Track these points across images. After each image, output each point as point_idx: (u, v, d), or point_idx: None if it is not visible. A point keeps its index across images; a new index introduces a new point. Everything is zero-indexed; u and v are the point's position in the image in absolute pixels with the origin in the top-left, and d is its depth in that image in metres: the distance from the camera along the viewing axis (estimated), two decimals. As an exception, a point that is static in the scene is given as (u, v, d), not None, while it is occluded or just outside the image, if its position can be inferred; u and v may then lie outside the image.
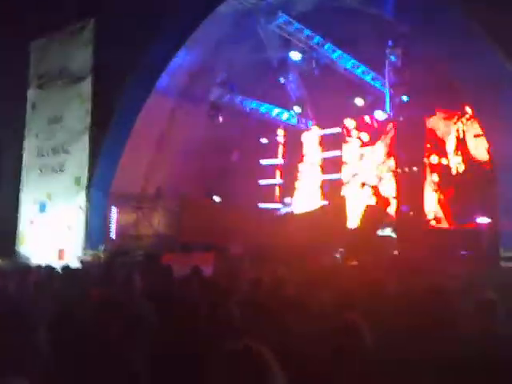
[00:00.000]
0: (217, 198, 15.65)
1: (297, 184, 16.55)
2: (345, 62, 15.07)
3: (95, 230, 13.41)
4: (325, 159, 16.06)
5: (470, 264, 8.59)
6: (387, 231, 11.87)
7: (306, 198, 15.75)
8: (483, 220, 10.66)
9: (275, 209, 16.08)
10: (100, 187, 13.80)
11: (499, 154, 10.06)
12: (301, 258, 9.10)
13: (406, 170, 13.28)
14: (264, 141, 17.09)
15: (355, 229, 12.03)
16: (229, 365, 1.88)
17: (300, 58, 15.70)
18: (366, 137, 14.99)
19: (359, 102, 14.76)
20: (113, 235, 13.72)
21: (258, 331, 3.69)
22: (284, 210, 15.20)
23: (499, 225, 9.45)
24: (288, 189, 16.58)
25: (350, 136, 15.21)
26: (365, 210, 12.08)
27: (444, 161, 12.87)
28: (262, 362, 1.86)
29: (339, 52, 14.98)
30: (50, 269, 7.92)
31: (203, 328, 3.86)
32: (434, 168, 13.11)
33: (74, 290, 6.16)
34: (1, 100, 14.40)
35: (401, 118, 14.02)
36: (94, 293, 5.63)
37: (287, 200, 15.95)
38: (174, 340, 3.63)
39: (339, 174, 15.26)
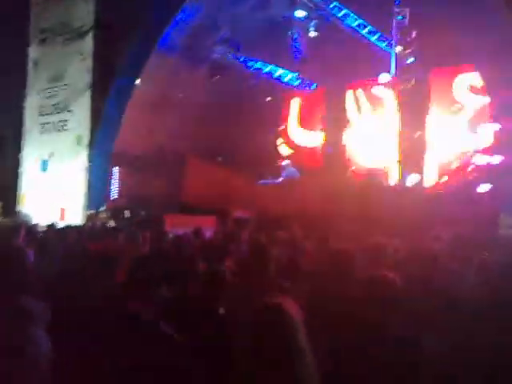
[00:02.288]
0: (219, 157, 15.55)
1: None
2: (350, 21, 14.74)
3: (97, 190, 13.45)
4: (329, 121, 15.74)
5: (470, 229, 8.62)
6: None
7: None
8: (484, 186, 10.60)
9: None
10: (102, 147, 13.77)
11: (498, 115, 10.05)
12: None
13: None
14: (267, 102, 16.77)
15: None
16: (258, 318, 2.06)
17: (305, 17, 15.37)
18: (371, 101, 14.66)
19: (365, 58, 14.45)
20: (114, 195, 13.76)
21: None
22: (286, 173, 15.02)
23: (500, 191, 9.46)
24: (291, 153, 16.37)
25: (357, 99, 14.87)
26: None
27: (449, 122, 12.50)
28: (289, 314, 2.02)
29: (345, 11, 14.64)
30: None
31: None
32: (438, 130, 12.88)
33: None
34: (2, 57, 14.20)
35: (405, 80, 13.79)
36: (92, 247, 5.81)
37: (285, 162, 15.84)
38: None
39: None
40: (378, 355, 2.54)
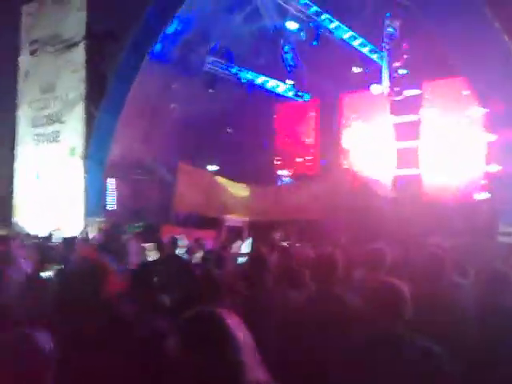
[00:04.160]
0: (212, 167, 15.56)
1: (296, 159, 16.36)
2: (342, 33, 14.89)
3: (93, 201, 13.37)
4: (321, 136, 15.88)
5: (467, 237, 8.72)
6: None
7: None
8: (482, 195, 10.78)
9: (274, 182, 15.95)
10: (96, 158, 13.69)
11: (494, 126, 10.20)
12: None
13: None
14: (260, 113, 16.83)
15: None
16: (189, 329, 1.84)
17: (296, 28, 15.50)
18: (363, 112, 14.83)
19: (356, 70, 14.67)
20: (111, 206, 13.68)
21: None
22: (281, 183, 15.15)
23: (498, 200, 9.60)
24: (286, 163, 16.48)
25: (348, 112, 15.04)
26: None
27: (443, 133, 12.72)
28: (221, 327, 1.81)
29: (336, 23, 14.78)
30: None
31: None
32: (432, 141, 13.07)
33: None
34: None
35: (397, 91, 13.98)
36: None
37: (282, 173, 15.91)
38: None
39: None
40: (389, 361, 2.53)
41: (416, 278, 3.95)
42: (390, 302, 2.68)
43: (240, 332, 1.83)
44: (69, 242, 7.80)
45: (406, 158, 13.32)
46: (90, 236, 9.89)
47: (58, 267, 5.48)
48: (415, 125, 13.32)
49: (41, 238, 9.14)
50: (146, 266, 4.98)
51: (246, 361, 1.78)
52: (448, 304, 3.61)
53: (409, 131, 13.45)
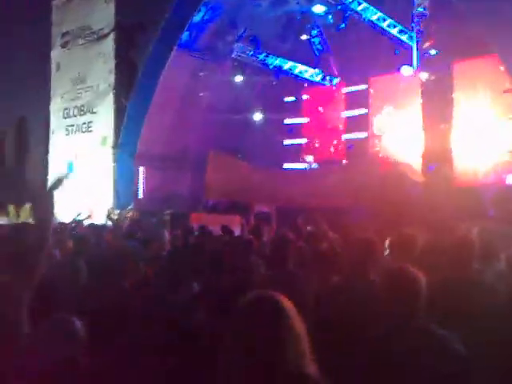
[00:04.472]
0: (241, 154, 15.59)
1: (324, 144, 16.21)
2: (370, 14, 14.62)
3: (123, 190, 13.59)
4: (349, 118, 15.68)
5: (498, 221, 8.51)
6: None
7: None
8: (512, 178, 10.48)
9: (300, 168, 15.91)
10: (126, 147, 13.90)
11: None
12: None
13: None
14: (288, 99, 16.82)
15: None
16: (246, 313, 1.85)
17: (324, 12, 15.29)
18: (393, 95, 14.53)
19: (385, 52, 14.41)
20: (140, 195, 13.89)
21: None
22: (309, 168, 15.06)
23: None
24: (312, 148, 16.39)
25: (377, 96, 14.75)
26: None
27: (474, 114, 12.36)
28: (277, 310, 1.80)
29: (364, 4, 14.52)
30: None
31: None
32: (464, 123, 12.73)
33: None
34: (26, 62, 14.45)
35: (428, 72, 13.68)
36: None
37: (308, 158, 15.80)
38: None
39: (365, 133, 14.89)
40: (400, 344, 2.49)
41: (445, 263, 3.88)
42: (404, 289, 2.62)
43: (297, 319, 1.82)
44: (98, 230, 7.94)
45: (437, 141, 13.04)
46: (119, 224, 10.07)
47: (87, 255, 5.61)
48: (446, 106, 12.99)
49: (72, 226, 9.33)
50: (175, 253, 5.03)
51: (299, 350, 1.77)
52: (478, 288, 3.50)
53: (439, 113, 13.14)
